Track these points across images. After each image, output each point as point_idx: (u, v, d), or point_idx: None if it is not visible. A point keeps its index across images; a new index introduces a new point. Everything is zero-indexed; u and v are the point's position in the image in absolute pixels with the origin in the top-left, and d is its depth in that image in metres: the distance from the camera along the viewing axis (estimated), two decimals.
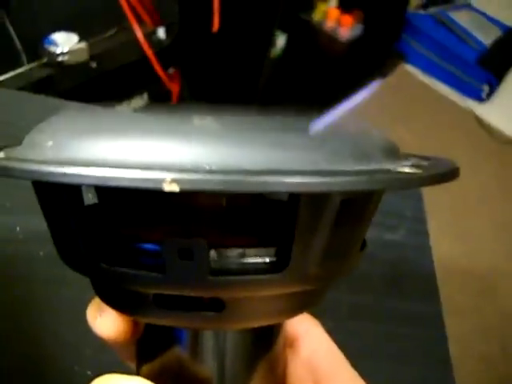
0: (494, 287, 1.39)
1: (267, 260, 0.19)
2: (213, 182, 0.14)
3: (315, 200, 0.17)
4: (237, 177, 0.14)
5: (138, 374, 0.23)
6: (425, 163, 0.20)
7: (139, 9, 1.07)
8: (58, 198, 0.18)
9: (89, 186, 0.15)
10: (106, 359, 0.31)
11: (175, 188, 0.14)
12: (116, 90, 1.11)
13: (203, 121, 0.20)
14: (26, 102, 0.57)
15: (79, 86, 1.01)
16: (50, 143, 0.18)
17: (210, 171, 0.15)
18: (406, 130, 1.73)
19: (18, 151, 0.19)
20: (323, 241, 0.18)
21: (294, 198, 0.17)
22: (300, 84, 1.72)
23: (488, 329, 1.30)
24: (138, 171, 0.14)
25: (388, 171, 0.18)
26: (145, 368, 0.23)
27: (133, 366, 0.25)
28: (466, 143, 1.77)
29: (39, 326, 0.37)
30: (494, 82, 1.96)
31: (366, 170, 0.17)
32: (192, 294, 0.19)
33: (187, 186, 0.14)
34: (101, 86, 1.05)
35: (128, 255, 0.19)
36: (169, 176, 0.14)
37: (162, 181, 0.14)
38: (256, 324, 0.21)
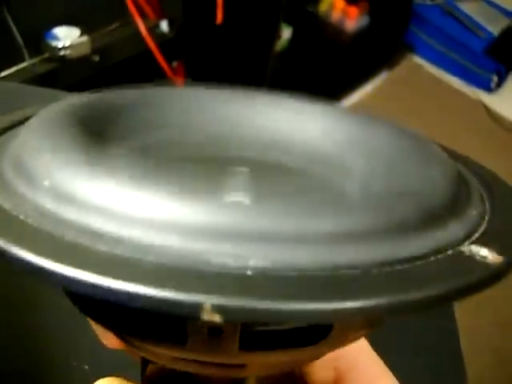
0: (507, 279, 1.38)
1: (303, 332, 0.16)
2: (267, 312, 0.11)
3: None
4: (300, 304, 0.11)
5: (142, 374, 0.22)
6: (487, 206, 0.17)
7: (141, 1, 1.06)
8: None
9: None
10: (103, 354, 0.30)
11: (216, 318, 0.11)
12: (119, 84, 1.10)
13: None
14: (27, 94, 0.57)
15: (82, 80, 1.00)
16: (47, 183, 0.15)
17: (257, 277, 0.12)
18: (414, 122, 1.71)
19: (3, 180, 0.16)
20: None
21: None
22: (306, 76, 1.71)
23: (501, 321, 1.28)
24: (165, 291, 0.11)
25: (461, 256, 0.14)
26: (150, 369, 0.22)
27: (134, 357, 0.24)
28: (475, 134, 1.75)
29: (35, 319, 0.37)
30: (503, 72, 1.94)
31: (433, 251, 0.14)
32: (215, 361, 0.17)
33: (233, 317, 0.11)
34: (104, 79, 1.04)
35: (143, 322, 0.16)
36: (209, 300, 0.11)
37: (199, 306, 0.11)
38: (277, 372, 0.19)
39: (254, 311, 0.11)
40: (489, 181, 0.19)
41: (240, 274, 0.12)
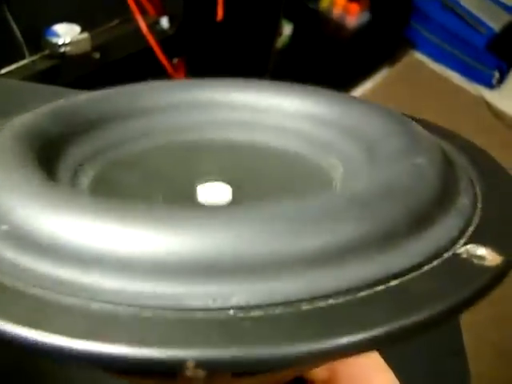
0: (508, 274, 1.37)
1: None
2: (253, 362, 0.10)
3: None
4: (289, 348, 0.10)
5: None
6: (478, 191, 0.16)
7: None
8: None
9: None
10: None
11: (200, 374, 0.10)
12: (120, 81, 1.10)
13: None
14: (27, 91, 0.56)
15: (82, 76, 0.99)
16: (5, 228, 0.13)
17: (239, 319, 0.11)
18: None
19: None
20: None
21: None
22: (307, 73, 1.70)
23: (498, 315, 1.28)
24: (146, 349, 0.10)
25: (457, 260, 0.13)
26: None
27: None
28: (476, 130, 1.75)
29: None
30: (505, 68, 1.94)
31: (424, 260, 0.13)
32: None
33: (216, 370, 0.11)
34: (104, 76, 1.03)
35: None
36: (192, 354, 0.10)
37: (182, 363, 0.10)
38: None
39: (237, 363, 0.10)
40: (477, 157, 0.18)
41: (221, 316, 0.11)
